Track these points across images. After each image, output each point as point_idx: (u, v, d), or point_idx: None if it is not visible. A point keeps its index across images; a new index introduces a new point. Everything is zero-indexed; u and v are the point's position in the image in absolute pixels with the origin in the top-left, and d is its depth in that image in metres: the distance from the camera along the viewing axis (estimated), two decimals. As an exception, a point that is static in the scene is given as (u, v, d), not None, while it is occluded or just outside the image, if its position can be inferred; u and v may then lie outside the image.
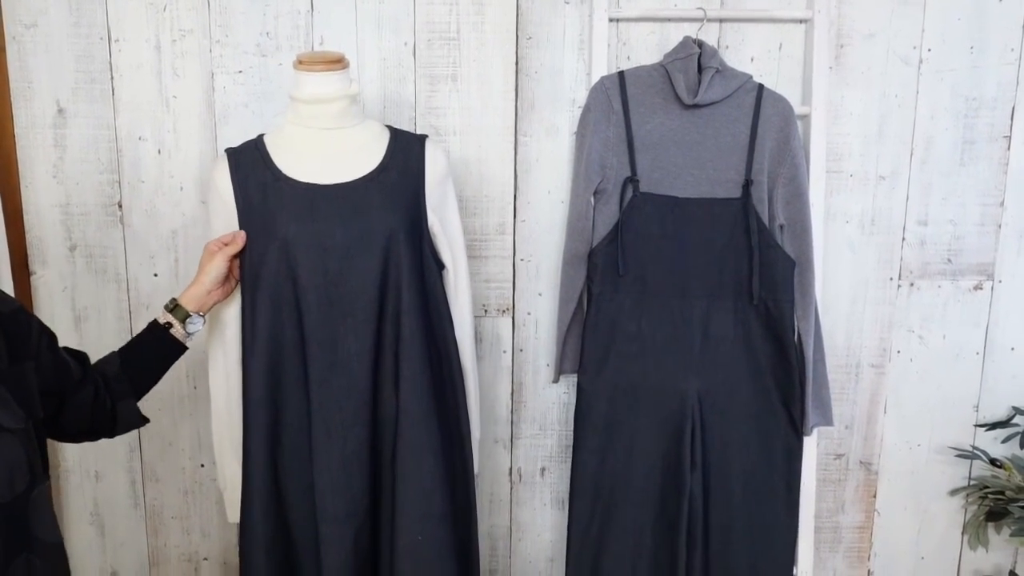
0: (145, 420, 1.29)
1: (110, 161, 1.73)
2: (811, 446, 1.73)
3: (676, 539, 1.62)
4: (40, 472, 0.93)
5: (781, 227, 1.64)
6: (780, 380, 1.64)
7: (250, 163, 1.37)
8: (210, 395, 1.47)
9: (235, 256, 1.35)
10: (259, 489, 1.38)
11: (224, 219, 1.37)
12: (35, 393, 0.96)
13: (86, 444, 1.82)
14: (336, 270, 1.34)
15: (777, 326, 1.61)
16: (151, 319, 1.32)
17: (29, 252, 1.76)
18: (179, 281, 1.78)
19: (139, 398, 1.27)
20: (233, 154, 1.38)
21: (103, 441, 1.81)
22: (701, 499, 1.62)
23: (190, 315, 1.30)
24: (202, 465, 1.86)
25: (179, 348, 1.32)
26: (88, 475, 1.86)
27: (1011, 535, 1.72)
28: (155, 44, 1.69)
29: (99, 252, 1.77)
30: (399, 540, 1.37)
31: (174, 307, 1.30)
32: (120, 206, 1.75)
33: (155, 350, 1.29)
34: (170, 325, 1.29)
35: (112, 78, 1.70)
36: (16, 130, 1.71)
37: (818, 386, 1.67)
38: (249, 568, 1.39)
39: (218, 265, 1.31)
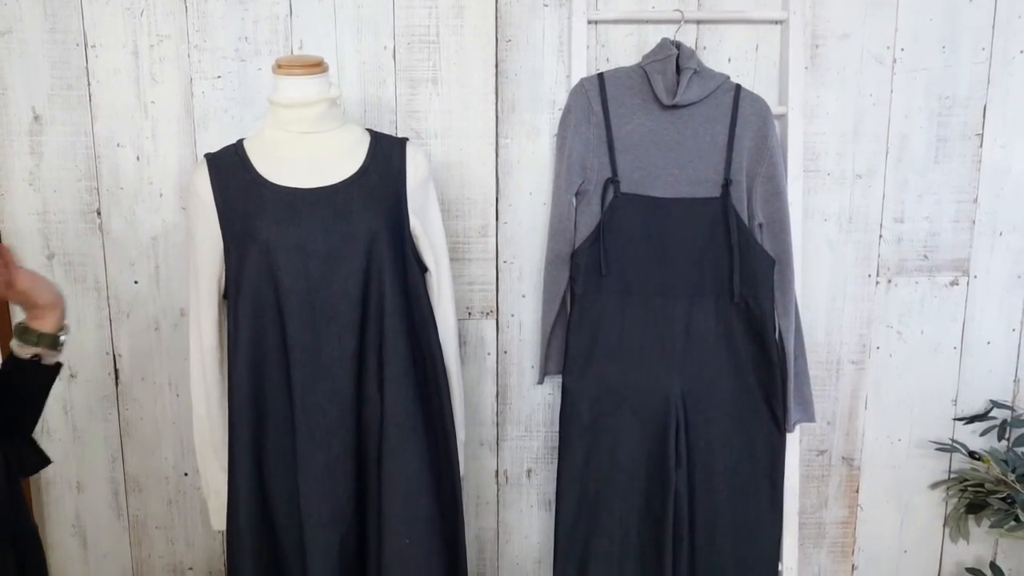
0: (47, 461, 1.08)
1: (88, 168, 1.72)
2: (794, 442, 1.75)
3: (662, 537, 1.62)
4: (16, 467, 0.94)
5: (760, 226, 1.65)
6: (762, 377, 1.65)
7: (230, 167, 1.36)
8: (192, 403, 1.47)
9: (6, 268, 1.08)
10: (245, 496, 1.37)
11: (206, 224, 1.36)
12: None
13: (68, 453, 1.82)
14: (318, 274, 1.33)
15: (758, 324, 1.63)
16: (7, 354, 1.09)
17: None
18: (159, 288, 1.77)
19: (26, 435, 1.06)
20: (213, 159, 1.38)
21: (85, 450, 1.82)
22: (686, 497, 1.63)
23: (58, 338, 1.09)
24: (185, 474, 1.84)
25: (53, 374, 1.11)
26: (69, 486, 1.84)
27: (991, 527, 1.75)
28: (132, 49, 1.68)
29: (78, 260, 1.75)
30: (386, 544, 1.37)
31: (38, 337, 1.07)
32: (99, 213, 1.74)
33: (28, 384, 1.08)
34: (38, 357, 1.07)
35: (89, 84, 1.69)
36: (-9, 138, 1.69)
37: (799, 383, 1.68)
38: (236, 575, 1.38)
39: (36, 284, 1.06)
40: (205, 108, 1.71)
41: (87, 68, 1.68)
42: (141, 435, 1.83)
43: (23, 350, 1.05)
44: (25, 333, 1.06)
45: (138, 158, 1.72)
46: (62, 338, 1.08)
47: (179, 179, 1.73)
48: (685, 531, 1.63)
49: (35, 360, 1.06)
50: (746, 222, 1.63)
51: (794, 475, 1.76)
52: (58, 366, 1.10)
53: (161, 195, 1.73)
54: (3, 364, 1.06)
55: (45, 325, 1.05)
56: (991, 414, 1.86)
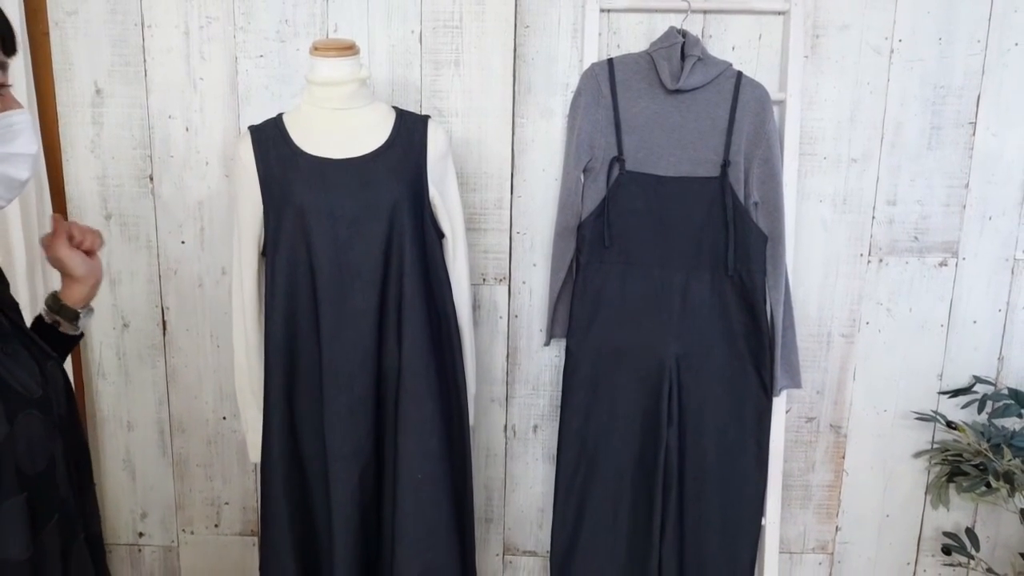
0: None
1: (142, 137, 1.90)
2: (780, 406, 1.88)
3: (653, 489, 1.77)
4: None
5: (755, 204, 1.77)
6: (752, 345, 1.78)
7: (270, 139, 1.52)
8: (233, 349, 1.64)
9: (71, 238, 1.11)
10: (277, 431, 1.55)
11: (248, 189, 1.53)
12: None
13: (120, 395, 2.01)
14: (345, 236, 1.49)
15: (750, 296, 1.75)
16: (39, 314, 1.13)
17: (69, 220, 1.93)
18: (204, 248, 1.95)
19: None
20: (255, 131, 1.54)
21: (135, 393, 2.02)
22: (676, 452, 1.77)
23: (79, 313, 1.12)
24: (224, 417, 2.04)
25: (70, 344, 1.13)
26: (121, 424, 2.04)
27: (963, 490, 1.86)
28: (184, 30, 1.85)
29: (132, 221, 1.94)
30: (401, 477, 1.54)
31: (60, 307, 1.10)
32: (151, 179, 1.92)
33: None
34: (58, 323, 1.11)
35: (145, 61, 1.86)
36: (58, 108, 1.87)
37: (787, 351, 1.81)
38: (268, 500, 1.56)
39: (69, 257, 1.07)
40: (248, 85, 1.87)
41: (143, 46, 1.85)
42: (185, 381, 2.02)
43: (47, 315, 1.11)
44: (52, 299, 1.11)
45: (187, 129, 1.89)
46: (81, 315, 1.12)
47: (224, 149, 1.90)
48: (674, 484, 1.78)
49: (54, 326, 1.11)
50: (742, 201, 1.75)
51: (779, 436, 1.89)
52: (76, 338, 1.14)
53: (207, 163, 1.91)
54: (34, 319, 1.12)
55: (69, 298, 1.10)
56: (974, 388, 1.96)
